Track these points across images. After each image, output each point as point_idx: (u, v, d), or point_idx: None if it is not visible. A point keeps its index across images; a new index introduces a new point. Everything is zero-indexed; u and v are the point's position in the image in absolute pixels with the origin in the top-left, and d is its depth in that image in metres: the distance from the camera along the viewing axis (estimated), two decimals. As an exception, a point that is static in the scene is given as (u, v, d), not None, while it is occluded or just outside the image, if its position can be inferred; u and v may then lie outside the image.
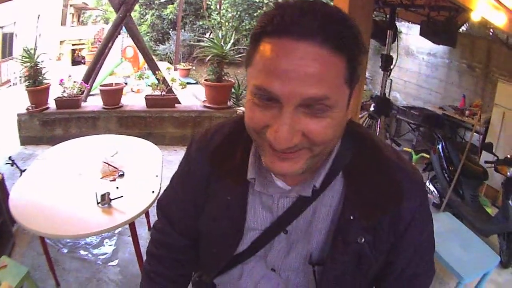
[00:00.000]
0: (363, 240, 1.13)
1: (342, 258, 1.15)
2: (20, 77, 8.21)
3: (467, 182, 4.63)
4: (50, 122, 6.63)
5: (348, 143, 1.15)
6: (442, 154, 5.06)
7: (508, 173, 3.96)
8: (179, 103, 7.34)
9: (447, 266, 3.30)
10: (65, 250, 4.21)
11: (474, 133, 5.19)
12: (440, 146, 5.13)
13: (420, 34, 5.37)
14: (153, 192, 3.36)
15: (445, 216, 3.99)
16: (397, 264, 1.24)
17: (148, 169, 3.79)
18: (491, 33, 5.51)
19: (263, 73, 0.92)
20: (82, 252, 4.22)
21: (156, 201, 1.54)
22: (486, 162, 4.34)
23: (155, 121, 6.91)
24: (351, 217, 1.12)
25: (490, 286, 3.81)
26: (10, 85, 11.97)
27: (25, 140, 6.62)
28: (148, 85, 7.99)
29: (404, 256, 1.23)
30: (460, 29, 5.75)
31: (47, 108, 6.71)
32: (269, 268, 1.29)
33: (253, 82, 0.95)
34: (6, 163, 5.20)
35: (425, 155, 5.98)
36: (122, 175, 3.67)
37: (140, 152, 4.17)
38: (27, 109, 6.63)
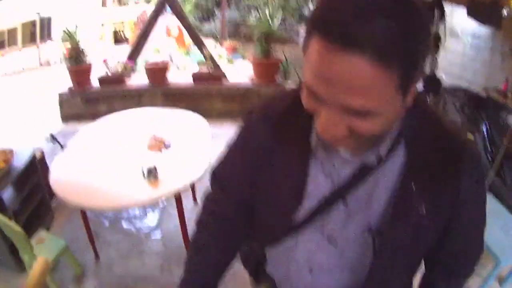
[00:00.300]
0: (423, 211, 1.10)
1: (402, 229, 1.13)
2: (60, 58, 8.23)
3: (510, 166, 4.50)
4: (93, 100, 6.65)
5: (410, 114, 1.09)
6: (485, 136, 4.94)
7: None
8: (226, 79, 7.27)
9: (486, 248, 3.15)
10: (107, 224, 4.23)
11: None
12: (484, 128, 5.01)
13: (468, 14, 5.30)
14: (200, 164, 3.31)
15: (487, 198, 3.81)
16: (450, 238, 1.23)
17: (196, 141, 3.74)
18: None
19: (311, 73, 0.90)
20: (124, 225, 4.24)
21: (211, 171, 1.49)
22: None
23: (202, 97, 6.87)
24: (413, 188, 1.10)
25: None
26: (50, 66, 12.10)
27: (67, 118, 6.64)
28: (195, 63, 7.92)
29: (458, 231, 1.22)
30: (503, 14, 5.63)
31: (90, 87, 6.71)
32: (325, 239, 1.26)
33: (304, 77, 0.93)
34: (47, 140, 5.27)
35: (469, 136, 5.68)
36: (168, 147, 3.63)
37: (187, 125, 4.10)
38: (69, 88, 6.64)
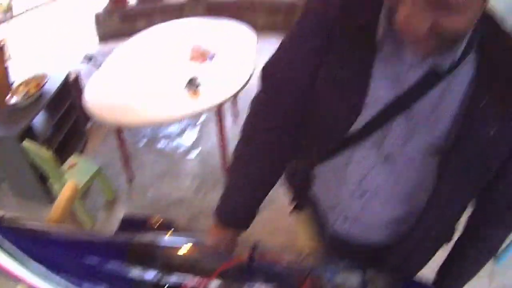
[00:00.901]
0: (493, 130, 1.01)
1: (469, 148, 1.04)
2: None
3: None
4: (131, 17, 6.45)
5: (482, 21, 0.95)
6: None
7: None
8: None
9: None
10: (142, 144, 4.10)
11: None
12: None
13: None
14: (244, 76, 3.09)
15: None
16: (508, 176, 1.12)
17: (241, 52, 3.52)
18: None
19: None
20: (161, 144, 4.10)
21: (262, 68, 1.30)
22: None
23: (246, 8, 6.60)
24: (484, 102, 0.99)
25: None
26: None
27: (104, 37, 6.49)
28: None
29: None
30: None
31: (127, 3, 6.53)
32: (382, 157, 1.17)
33: None
34: (83, 61, 5.17)
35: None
36: (212, 57, 3.42)
37: (232, 35, 3.87)
38: (105, 7, 6.47)
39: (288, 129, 1.33)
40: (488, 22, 0.99)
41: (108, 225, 3.27)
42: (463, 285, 1.46)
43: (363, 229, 1.36)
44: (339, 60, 1.11)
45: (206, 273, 1.21)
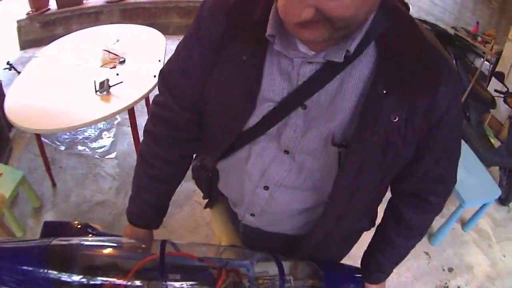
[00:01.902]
0: (396, 119, 1.01)
1: (370, 138, 1.04)
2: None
3: (474, 105, 4.49)
4: (50, 23, 6.37)
5: (382, 13, 0.99)
6: None
7: None
8: None
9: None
10: (63, 148, 4.09)
11: (485, 62, 4.99)
12: None
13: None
14: (154, 76, 3.17)
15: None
16: (424, 161, 1.15)
17: (151, 55, 3.62)
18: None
19: None
20: (80, 148, 4.12)
21: (159, 72, 1.35)
22: (495, 91, 4.14)
23: (160, 12, 6.69)
24: (384, 91, 1.00)
25: (487, 219, 3.77)
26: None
27: (25, 44, 6.37)
28: None
29: (433, 152, 1.14)
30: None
31: (48, 9, 6.40)
32: (282, 150, 1.18)
33: None
34: (5, 68, 5.04)
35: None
36: (123, 62, 3.50)
37: (142, 39, 3.97)
38: (27, 13, 6.32)
39: (190, 128, 1.35)
40: (392, 14, 1.00)
41: (37, 232, 3.12)
42: (390, 270, 1.48)
43: (272, 221, 1.38)
44: (230, 58, 1.12)
45: (125, 274, 1.21)
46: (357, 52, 0.99)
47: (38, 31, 6.35)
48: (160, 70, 1.34)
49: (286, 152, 1.17)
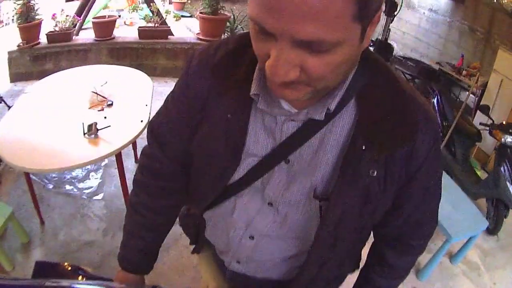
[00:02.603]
0: (375, 173, 1.05)
1: (350, 192, 1.07)
2: (12, 16, 7.93)
3: (459, 140, 4.56)
4: (40, 57, 6.44)
5: (362, 68, 1.03)
6: (436, 108, 4.95)
7: (502, 139, 3.84)
8: (172, 35, 7.17)
9: (436, 223, 3.24)
10: (51, 186, 4.09)
11: (470, 95, 5.08)
12: (435, 100, 5.01)
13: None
14: (141, 121, 3.23)
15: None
16: (404, 208, 1.19)
17: (138, 99, 3.64)
18: (495, 1, 5.19)
19: (256, 4, 0.79)
20: (67, 187, 4.11)
21: (148, 123, 1.40)
22: (481, 124, 4.20)
23: (147, 53, 6.80)
24: (363, 147, 1.03)
25: (476, 250, 3.79)
26: (3, 26, 11.68)
27: (15, 77, 6.43)
28: (142, 18, 7.78)
29: (413, 199, 1.17)
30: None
31: (38, 43, 6.48)
32: (266, 202, 1.21)
33: (249, 12, 0.83)
34: None
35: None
36: (110, 105, 3.52)
37: (130, 82, 3.99)
38: (18, 45, 6.39)
39: (178, 179, 1.39)
40: (371, 69, 1.04)
41: (26, 267, 3.24)
42: None
43: (258, 268, 1.40)
44: (215, 115, 1.15)
45: None
46: (338, 109, 1.03)
47: (28, 64, 6.41)
48: (149, 122, 1.38)
49: (270, 204, 1.20)
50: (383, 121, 1.03)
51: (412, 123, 1.04)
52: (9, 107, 4.36)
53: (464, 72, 5.48)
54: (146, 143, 1.42)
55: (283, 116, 1.07)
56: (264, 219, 1.24)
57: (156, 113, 1.36)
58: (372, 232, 1.37)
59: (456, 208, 3.37)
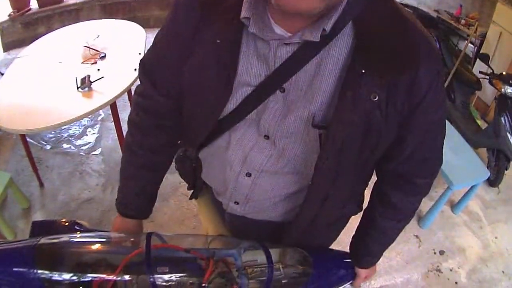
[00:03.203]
0: (376, 97, 1.00)
1: (350, 118, 1.03)
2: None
3: (459, 87, 4.50)
4: (32, 23, 6.34)
5: None
6: None
7: (503, 90, 3.76)
8: None
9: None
10: (48, 147, 4.05)
11: (469, 44, 5.00)
12: None
13: None
14: (135, 70, 3.15)
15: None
16: (408, 142, 1.14)
17: (131, 49, 3.59)
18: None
19: None
20: (65, 146, 4.08)
21: (139, 62, 1.34)
22: (480, 72, 4.12)
23: (140, 5, 6.65)
24: (362, 71, 0.99)
25: (477, 201, 3.77)
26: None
27: (8, 46, 6.33)
28: None
29: (416, 133, 1.12)
30: None
31: (29, 9, 6.32)
32: (262, 135, 1.18)
33: None
34: None
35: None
36: (103, 57, 3.47)
37: (122, 34, 3.92)
38: (9, 15, 6.24)
39: (173, 117, 1.35)
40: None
41: (28, 233, 3.22)
42: (379, 253, 1.50)
43: (257, 208, 1.36)
44: (205, 44, 1.11)
45: (113, 269, 1.21)
46: (334, 32, 0.98)
47: (20, 31, 6.33)
48: (140, 60, 1.34)
49: (266, 137, 1.17)
50: (383, 46, 0.99)
51: (415, 51, 1.00)
52: (2, 75, 4.33)
53: (462, 21, 5.38)
54: (135, 89, 1.39)
55: (276, 41, 1.02)
56: (260, 154, 1.20)
57: (147, 50, 1.32)
58: (375, 172, 1.34)
59: (457, 155, 3.33)
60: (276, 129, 1.13)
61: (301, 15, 0.94)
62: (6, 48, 6.29)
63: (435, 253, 3.22)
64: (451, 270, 3.11)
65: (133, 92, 3.66)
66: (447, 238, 3.33)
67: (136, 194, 1.47)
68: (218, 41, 1.07)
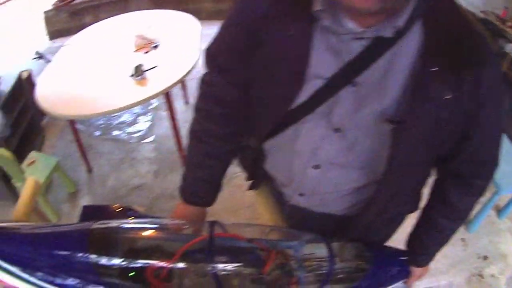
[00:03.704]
0: (446, 96, 1.00)
1: (423, 116, 1.04)
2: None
3: (507, 91, 4.31)
4: (78, 12, 6.36)
5: None
6: None
7: None
8: None
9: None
10: (98, 133, 4.10)
11: None
12: None
13: None
14: (189, 61, 3.16)
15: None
16: (470, 143, 1.14)
17: (185, 40, 3.56)
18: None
19: None
20: (116, 133, 4.11)
21: (204, 50, 1.34)
22: None
23: None
24: (434, 69, 0.99)
25: None
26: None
27: (54, 35, 6.40)
28: None
29: (479, 133, 1.13)
30: None
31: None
32: (333, 128, 1.16)
33: None
34: (34, 58, 5.00)
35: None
36: (156, 47, 3.47)
37: (176, 24, 3.90)
38: (54, 4, 6.36)
39: (237, 104, 1.34)
40: None
41: (73, 217, 3.26)
42: (434, 253, 1.49)
43: (322, 201, 1.37)
44: (276, 35, 1.10)
45: (169, 256, 1.21)
46: (405, 29, 0.98)
47: (66, 20, 6.37)
48: (206, 48, 1.33)
49: (337, 130, 1.16)
50: (452, 44, 0.99)
51: (480, 50, 1.02)
52: (49, 61, 4.38)
53: (509, 23, 5.29)
54: (201, 77, 1.39)
55: (349, 35, 1.01)
56: (330, 146, 1.20)
57: (212, 39, 1.31)
58: (436, 171, 1.34)
59: (505, 160, 3.20)
60: (348, 122, 1.13)
61: (361, 12, 0.94)
62: (52, 37, 6.37)
63: (478, 257, 3.16)
64: (492, 276, 3.04)
65: (186, 83, 3.68)
66: (491, 243, 3.26)
67: (203, 181, 1.47)
68: (289, 33, 1.07)
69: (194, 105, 1.42)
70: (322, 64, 1.08)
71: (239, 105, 1.35)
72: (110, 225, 1.28)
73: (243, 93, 1.30)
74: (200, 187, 1.48)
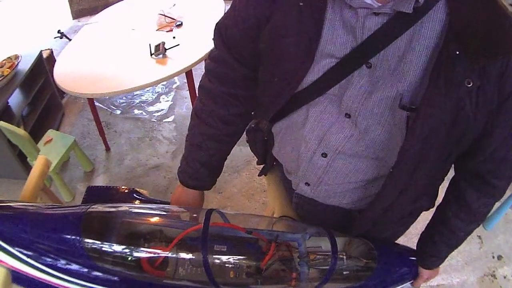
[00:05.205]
0: (470, 83, 0.90)
1: (441, 103, 0.93)
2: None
3: None
4: (103, -9, 6.41)
5: None
6: None
7: None
8: None
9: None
10: (118, 112, 4.09)
11: None
12: None
13: None
14: (211, 41, 3.07)
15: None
16: (492, 138, 1.03)
17: (208, 18, 3.51)
18: None
19: None
20: (136, 111, 4.10)
21: (215, 26, 1.28)
22: None
23: None
24: (457, 52, 0.89)
25: None
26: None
27: (78, 14, 6.37)
28: None
29: (501, 129, 1.01)
30: None
31: (99, -22, 6.43)
32: (343, 113, 1.10)
33: None
34: (55, 37, 5.11)
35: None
36: (180, 25, 3.45)
37: (200, 3, 3.85)
38: (78, -17, 6.36)
39: (243, 84, 1.30)
40: None
41: None
42: (445, 255, 1.42)
43: (328, 193, 1.30)
44: (289, 5, 1.04)
45: (164, 244, 1.20)
46: (427, 6, 0.90)
47: (89, 0, 6.36)
48: (216, 23, 1.28)
49: (348, 115, 1.09)
50: (477, 28, 0.90)
51: (508, 36, 0.90)
52: (70, 40, 4.39)
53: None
54: (208, 54, 1.34)
55: (365, 9, 0.94)
56: (339, 133, 1.13)
57: (223, 15, 1.26)
58: (453, 169, 1.25)
59: None
60: (360, 107, 1.05)
61: None
62: (75, 16, 6.36)
63: (493, 257, 3.08)
64: (505, 277, 2.97)
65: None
66: (507, 243, 3.18)
67: (201, 164, 1.41)
68: (300, 3, 1.00)
69: (199, 83, 1.37)
70: (334, 40, 1.01)
71: (245, 85, 1.30)
72: (107, 209, 1.26)
73: (250, 72, 1.26)
74: (199, 170, 1.42)
